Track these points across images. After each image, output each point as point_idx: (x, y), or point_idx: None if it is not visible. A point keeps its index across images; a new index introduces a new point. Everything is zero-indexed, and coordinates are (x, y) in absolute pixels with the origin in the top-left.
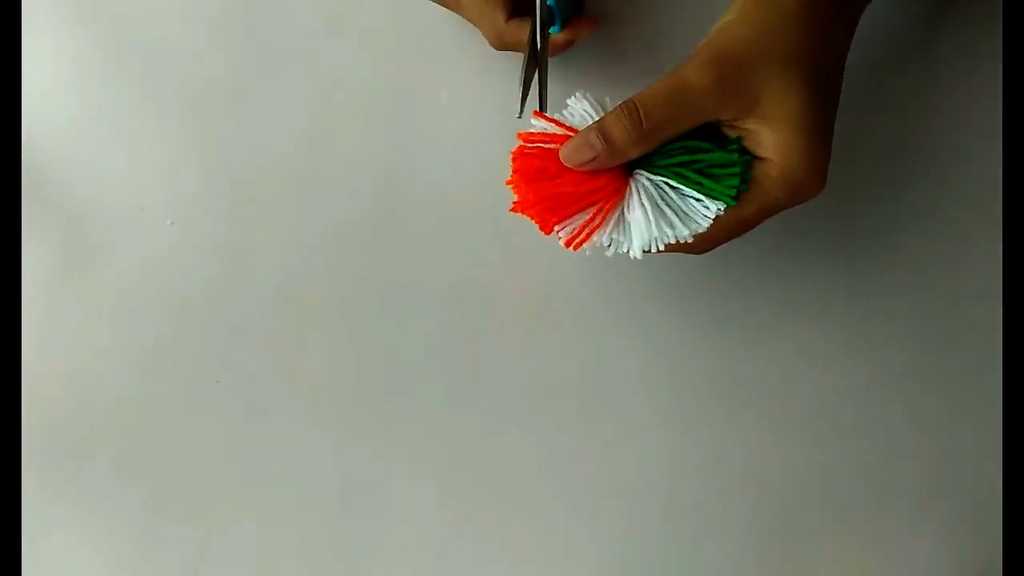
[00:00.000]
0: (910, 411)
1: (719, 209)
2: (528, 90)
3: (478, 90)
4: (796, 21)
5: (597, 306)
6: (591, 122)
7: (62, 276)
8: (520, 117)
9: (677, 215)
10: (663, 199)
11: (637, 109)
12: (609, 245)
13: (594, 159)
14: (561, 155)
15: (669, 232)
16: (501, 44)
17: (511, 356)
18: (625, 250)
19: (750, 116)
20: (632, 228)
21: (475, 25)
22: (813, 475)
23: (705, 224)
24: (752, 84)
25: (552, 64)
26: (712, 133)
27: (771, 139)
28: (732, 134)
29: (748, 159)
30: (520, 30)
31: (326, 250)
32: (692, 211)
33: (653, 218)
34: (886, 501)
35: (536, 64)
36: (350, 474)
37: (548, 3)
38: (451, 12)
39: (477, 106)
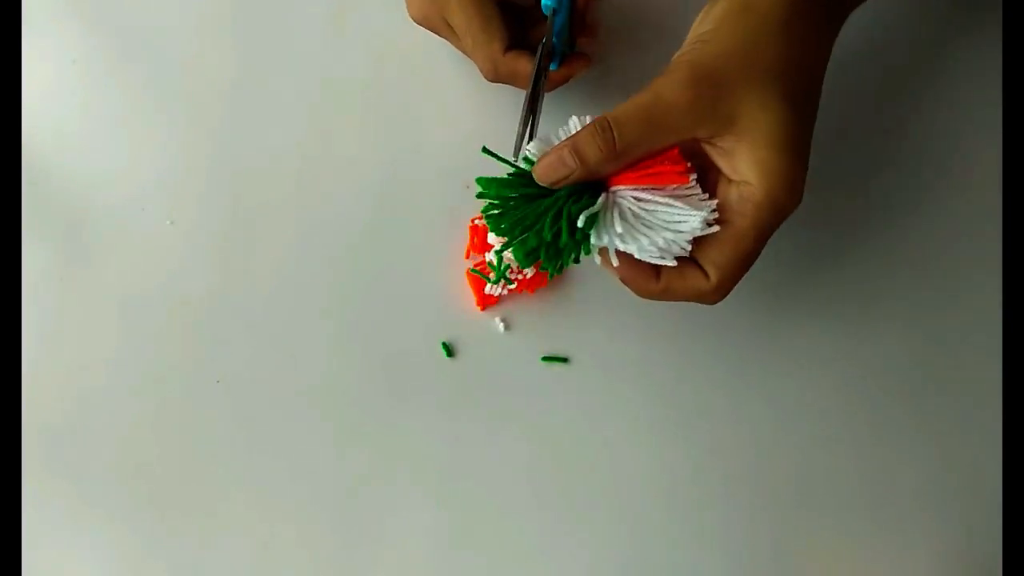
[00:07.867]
0: (910, 412)
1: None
2: (526, 128)
3: (478, 89)
4: (780, 32)
5: (597, 306)
6: None
7: (62, 276)
8: (516, 158)
9: (647, 226)
10: (631, 211)
11: (610, 127)
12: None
13: (567, 177)
14: (535, 173)
15: (644, 240)
16: (495, 76)
17: (511, 356)
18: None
19: (727, 134)
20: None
21: (470, 56)
22: (813, 475)
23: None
24: (729, 102)
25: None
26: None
27: (749, 158)
28: (708, 152)
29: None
30: (516, 62)
31: (326, 250)
32: (666, 222)
33: (624, 229)
34: (886, 501)
35: (534, 102)
36: (350, 474)
37: (552, 40)
38: (445, 42)
39: (477, 105)
